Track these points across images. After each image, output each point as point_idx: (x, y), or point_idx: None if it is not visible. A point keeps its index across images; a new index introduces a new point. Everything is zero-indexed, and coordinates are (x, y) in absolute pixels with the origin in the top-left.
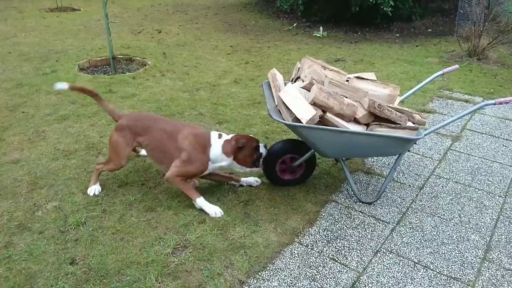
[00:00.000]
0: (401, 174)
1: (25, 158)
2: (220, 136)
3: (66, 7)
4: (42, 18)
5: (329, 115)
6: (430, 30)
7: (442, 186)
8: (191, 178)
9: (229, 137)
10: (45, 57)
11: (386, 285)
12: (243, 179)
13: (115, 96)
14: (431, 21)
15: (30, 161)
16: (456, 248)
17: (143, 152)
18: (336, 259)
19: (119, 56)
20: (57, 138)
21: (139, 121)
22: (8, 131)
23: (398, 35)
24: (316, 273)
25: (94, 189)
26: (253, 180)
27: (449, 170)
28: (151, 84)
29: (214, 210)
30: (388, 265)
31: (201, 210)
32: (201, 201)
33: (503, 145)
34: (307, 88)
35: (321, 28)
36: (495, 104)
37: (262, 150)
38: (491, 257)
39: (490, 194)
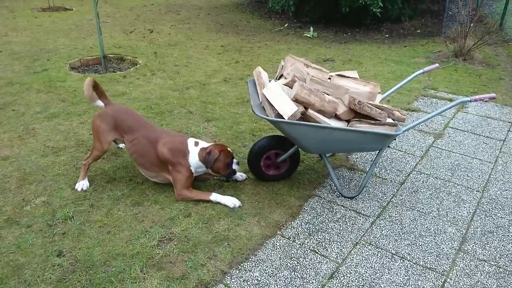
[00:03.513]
0: (383, 170)
1: (14, 155)
2: (196, 144)
3: (58, 7)
4: (34, 18)
5: (310, 111)
6: (419, 31)
7: (423, 182)
8: (191, 182)
9: (206, 145)
10: (36, 56)
11: (364, 275)
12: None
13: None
14: (420, 22)
15: (19, 157)
16: (433, 240)
17: (121, 144)
18: (317, 251)
19: (110, 55)
20: (46, 136)
21: (124, 117)
22: None
23: (387, 35)
24: (296, 264)
25: (82, 184)
26: (238, 175)
27: (430, 166)
28: (141, 83)
29: (231, 201)
30: (366, 256)
31: (219, 203)
32: (215, 197)
33: (484, 142)
34: (290, 85)
35: (311, 28)
36: (470, 101)
37: (235, 167)
38: (466, 248)
39: (469, 189)
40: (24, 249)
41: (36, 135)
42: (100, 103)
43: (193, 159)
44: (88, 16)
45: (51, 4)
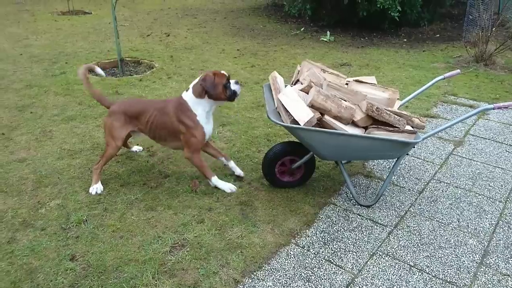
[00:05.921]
0: (401, 178)
1: (31, 157)
2: (187, 89)
3: (78, 11)
4: (54, 21)
5: (327, 118)
6: (438, 35)
7: (442, 191)
8: (201, 144)
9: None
10: (55, 59)
11: (381, 287)
12: (231, 164)
13: (122, 98)
14: (440, 26)
15: (36, 160)
16: (453, 252)
17: (135, 148)
18: (332, 261)
19: (127, 58)
20: (63, 138)
21: (132, 106)
22: (16, 130)
23: (405, 40)
24: (311, 274)
25: (96, 188)
26: (239, 170)
27: (450, 175)
28: (157, 86)
29: (228, 187)
30: (383, 268)
31: (216, 188)
32: (215, 180)
33: (506, 151)
34: (306, 91)
35: (328, 32)
36: (493, 109)
37: (234, 87)
38: (488, 262)
39: (491, 199)
40: (37, 253)
41: (53, 138)
42: (100, 71)
43: (191, 99)
44: (107, 19)
45: (71, 7)
